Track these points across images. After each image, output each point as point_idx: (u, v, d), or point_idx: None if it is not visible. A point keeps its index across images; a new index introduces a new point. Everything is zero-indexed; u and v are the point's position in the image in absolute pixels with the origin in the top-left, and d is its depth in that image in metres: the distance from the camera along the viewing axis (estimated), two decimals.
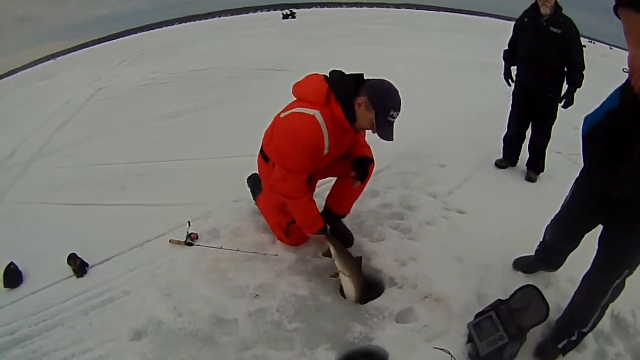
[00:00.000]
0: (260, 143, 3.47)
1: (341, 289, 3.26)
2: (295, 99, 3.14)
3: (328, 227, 3.43)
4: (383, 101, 2.84)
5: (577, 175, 2.69)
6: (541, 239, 3.25)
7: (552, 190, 3.90)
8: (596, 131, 2.24)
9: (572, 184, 2.77)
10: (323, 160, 3.18)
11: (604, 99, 2.22)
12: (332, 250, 3.28)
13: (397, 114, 2.88)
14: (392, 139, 2.92)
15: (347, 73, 3.02)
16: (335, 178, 3.68)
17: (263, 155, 3.40)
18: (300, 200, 3.17)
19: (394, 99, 2.86)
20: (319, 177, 3.66)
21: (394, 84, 2.91)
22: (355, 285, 3.17)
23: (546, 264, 3.34)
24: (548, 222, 3.09)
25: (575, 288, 2.77)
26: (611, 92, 2.19)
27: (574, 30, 4.31)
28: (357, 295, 3.19)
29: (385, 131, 2.89)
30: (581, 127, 2.33)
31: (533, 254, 3.38)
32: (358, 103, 2.88)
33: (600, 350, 2.90)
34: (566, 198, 2.83)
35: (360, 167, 3.35)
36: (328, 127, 2.94)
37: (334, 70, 3.05)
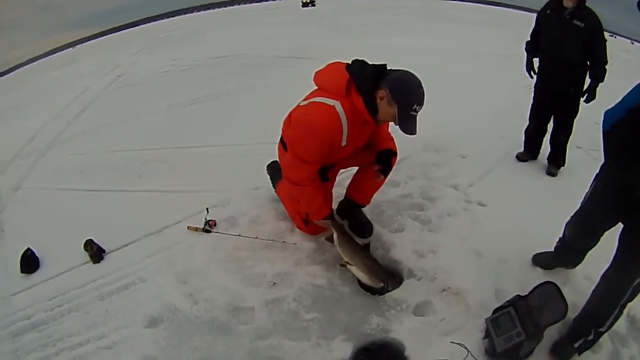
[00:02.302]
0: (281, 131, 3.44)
1: (359, 281, 3.23)
2: (316, 87, 3.08)
3: (334, 214, 3.40)
4: (405, 95, 2.75)
5: (598, 171, 2.64)
6: (561, 236, 3.20)
7: (572, 186, 3.85)
8: (618, 128, 2.19)
9: (592, 180, 2.72)
10: (340, 151, 3.13)
11: (625, 95, 2.17)
12: (335, 237, 3.26)
13: (420, 108, 2.78)
14: (414, 133, 2.82)
15: (370, 63, 2.94)
16: (356, 167, 3.63)
17: (283, 144, 3.35)
18: (307, 187, 3.13)
19: (417, 92, 2.76)
20: (340, 167, 3.61)
21: (417, 76, 2.81)
22: (365, 272, 3.14)
23: (565, 261, 3.30)
24: (568, 219, 3.04)
25: (594, 286, 2.72)
26: (632, 87, 2.13)
27: (598, 23, 4.21)
28: (373, 281, 3.15)
29: (408, 125, 2.80)
30: (601, 123, 2.28)
31: (552, 250, 3.33)
32: (380, 96, 2.79)
33: (615, 351, 2.87)
34: (586, 195, 2.78)
35: (384, 160, 3.30)
36: (348, 119, 2.87)
37: (356, 60, 2.96)
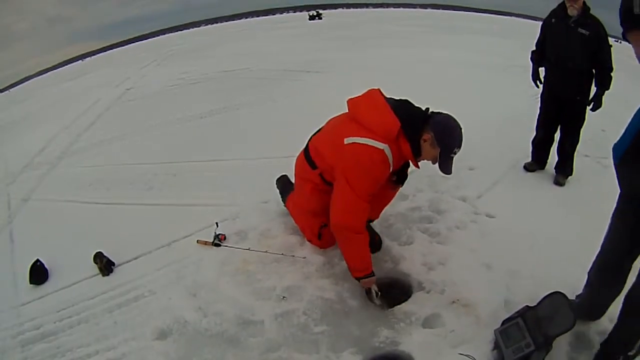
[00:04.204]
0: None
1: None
2: (352, 115, 3.10)
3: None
4: (448, 140, 2.88)
5: (615, 205, 2.48)
6: (584, 285, 2.98)
7: (580, 195, 3.83)
8: (627, 158, 2.17)
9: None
10: None
11: (626, 127, 2.15)
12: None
13: (459, 150, 2.91)
14: (451, 173, 2.98)
15: (414, 104, 3.05)
16: None
17: (310, 162, 3.36)
18: (360, 236, 3.10)
19: (458, 136, 2.90)
20: None
21: (457, 120, 2.94)
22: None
23: (587, 315, 3.03)
24: (589, 268, 2.85)
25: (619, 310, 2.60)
26: (632, 118, 2.12)
27: (603, 31, 4.23)
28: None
29: (447, 165, 2.95)
30: (611, 157, 2.25)
31: (574, 298, 3.08)
32: (424, 139, 2.90)
33: None
34: (606, 235, 2.61)
35: (399, 170, 3.34)
36: (394, 160, 2.98)
37: (401, 101, 3.05)
